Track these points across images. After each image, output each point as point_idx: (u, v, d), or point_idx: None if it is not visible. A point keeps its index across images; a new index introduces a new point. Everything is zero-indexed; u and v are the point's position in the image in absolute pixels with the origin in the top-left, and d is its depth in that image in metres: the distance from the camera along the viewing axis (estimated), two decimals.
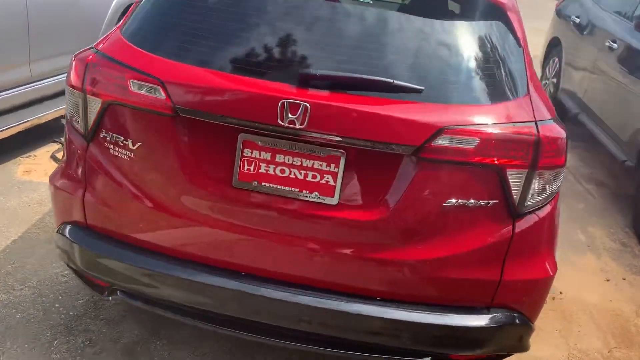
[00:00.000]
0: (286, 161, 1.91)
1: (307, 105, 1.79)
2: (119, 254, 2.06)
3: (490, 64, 1.98)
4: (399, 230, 1.91)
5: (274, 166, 1.92)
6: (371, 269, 1.94)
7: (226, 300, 1.99)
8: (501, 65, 1.98)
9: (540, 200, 1.97)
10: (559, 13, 6.72)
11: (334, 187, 1.91)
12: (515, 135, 1.86)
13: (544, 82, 6.78)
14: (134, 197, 2.02)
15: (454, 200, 1.87)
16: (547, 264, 2.08)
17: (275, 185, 1.93)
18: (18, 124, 3.98)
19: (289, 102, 1.79)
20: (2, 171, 4.00)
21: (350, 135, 1.81)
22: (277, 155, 1.91)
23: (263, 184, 1.93)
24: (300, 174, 1.91)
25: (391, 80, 1.82)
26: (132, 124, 1.97)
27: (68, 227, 2.17)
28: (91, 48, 2.10)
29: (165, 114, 1.90)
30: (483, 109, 1.88)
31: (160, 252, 2.04)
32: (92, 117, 2.02)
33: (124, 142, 1.99)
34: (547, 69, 6.72)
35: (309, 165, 1.90)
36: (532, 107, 1.94)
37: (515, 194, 1.91)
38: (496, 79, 1.96)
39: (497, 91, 1.94)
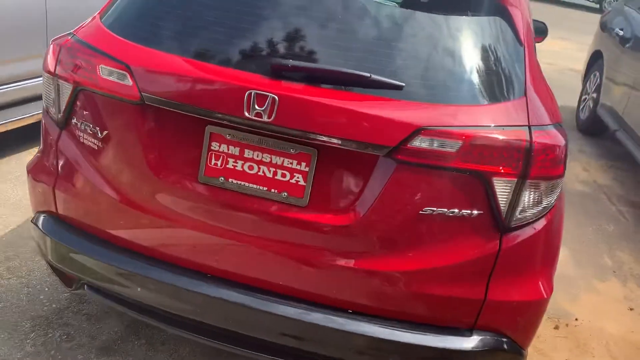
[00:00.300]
0: (255, 157, 1.79)
1: (275, 97, 1.66)
2: (84, 247, 1.98)
3: (482, 61, 1.81)
4: (372, 237, 1.76)
5: (242, 162, 1.80)
6: (341, 278, 1.79)
7: (186, 302, 1.88)
8: (494, 63, 1.81)
9: (534, 213, 1.79)
10: (602, 26, 6.40)
11: (304, 187, 1.77)
12: (503, 140, 1.69)
13: (584, 97, 6.47)
14: (101, 189, 1.94)
15: (433, 208, 1.71)
16: (540, 284, 1.88)
17: (242, 183, 1.81)
18: (34, 114, 4.00)
19: (256, 93, 1.67)
20: (14, 161, 4.03)
21: (321, 131, 1.68)
22: (246, 151, 1.79)
23: (230, 180, 1.81)
24: (270, 171, 1.79)
25: (368, 75, 1.68)
26: (101, 111, 1.90)
27: (39, 217, 2.11)
28: (69, 33, 2.04)
29: (131, 101, 1.81)
30: (469, 110, 1.72)
31: (125, 247, 1.95)
32: (63, 103, 1.96)
33: (93, 130, 1.91)
34: (587, 84, 6.40)
35: (279, 162, 1.78)
36: (528, 111, 1.76)
37: (503, 205, 1.73)
38: (487, 78, 1.79)
39: (488, 91, 1.76)
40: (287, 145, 1.75)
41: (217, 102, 1.72)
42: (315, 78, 1.71)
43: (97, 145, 1.92)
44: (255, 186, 1.80)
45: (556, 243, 1.96)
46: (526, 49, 1.91)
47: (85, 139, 1.94)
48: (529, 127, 1.73)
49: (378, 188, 1.71)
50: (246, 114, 1.68)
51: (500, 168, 1.69)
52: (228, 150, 1.80)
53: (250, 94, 1.67)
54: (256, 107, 1.67)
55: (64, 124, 1.98)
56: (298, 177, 1.77)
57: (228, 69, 1.75)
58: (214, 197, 1.82)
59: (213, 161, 1.81)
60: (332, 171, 1.77)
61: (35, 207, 2.18)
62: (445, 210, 1.71)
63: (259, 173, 1.79)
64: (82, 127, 1.93)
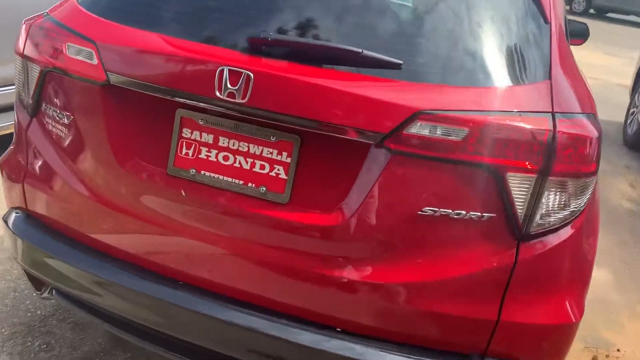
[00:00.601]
0: (230, 146, 1.56)
1: (250, 74, 1.44)
2: (48, 246, 1.78)
3: (495, 37, 1.54)
4: (362, 241, 1.49)
5: (217, 151, 1.58)
6: (326, 289, 1.53)
7: (152, 310, 1.65)
8: (511, 40, 1.54)
9: (559, 218, 1.49)
10: None
11: (285, 181, 1.53)
12: (520, 128, 1.41)
13: (632, 110, 6.04)
14: (69, 183, 1.75)
15: (434, 209, 1.44)
16: (568, 305, 1.57)
17: (216, 175, 1.58)
18: None
19: (229, 69, 1.45)
20: None
21: (303, 115, 1.44)
22: (220, 138, 1.57)
23: (202, 172, 1.59)
24: (247, 162, 1.56)
25: (360, 50, 1.43)
26: (69, 96, 1.71)
27: (9, 213, 1.94)
28: (43, 12, 1.87)
29: (98, 82, 1.62)
30: (479, 92, 1.44)
31: (92, 246, 1.75)
32: (32, 87, 1.78)
33: (60, 117, 1.73)
34: (636, 97, 5.99)
35: (257, 152, 1.54)
36: (552, 95, 1.47)
37: (520, 207, 1.44)
38: (501, 56, 1.51)
39: (502, 71, 1.49)
40: (266, 132, 1.52)
41: (186, 81, 1.51)
42: (299, 54, 1.48)
43: (65, 134, 1.73)
44: (230, 179, 1.57)
45: (588, 256, 1.65)
46: (553, 27, 1.62)
47: (54, 126, 1.76)
48: (553, 114, 1.44)
49: (369, 183, 1.46)
50: (217, 94, 1.46)
51: (516, 161, 1.41)
52: (201, 137, 1.58)
53: (223, 70, 1.45)
54: (229, 86, 1.45)
55: (33, 110, 1.81)
56: (278, 169, 1.53)
57: (200, 44, 1.54)
58: (181, 191, 1.60)
59: (184, 150, 1.59)
60: (317, 163, 1.52)
61: (7, 203, 2.01)
62: (450, 211, 1.44)
63: (235, 164, 1.56)
64: (51, 113, 1.75)
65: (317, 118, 1.43)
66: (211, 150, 1.57)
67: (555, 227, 1.50)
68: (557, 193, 1.47)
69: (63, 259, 1.72)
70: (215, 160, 1.57)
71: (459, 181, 1.43)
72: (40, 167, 1.82)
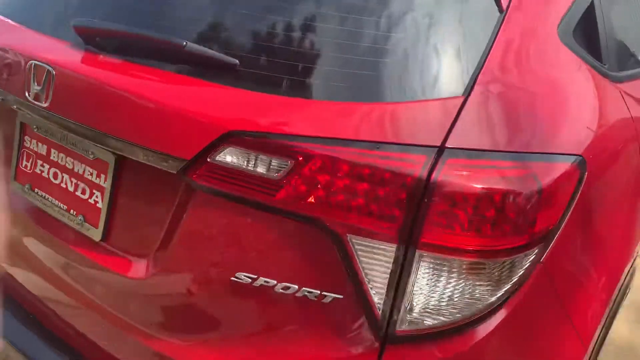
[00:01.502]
0: (59, 161, 1.26)
1: (52, 70, 1.13)
2: None
3: (375, 26, 1.00)
4: (167, 307, 1.09)
5: (49, 166, 1.29)
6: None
7: None
8: (404, 32, 0.99)
9: (462, 312, 0.93)
10: None
11: (101, 211, 1.18)
12: (373, 169, 0.89)
13: None
14: None
15: (250, 276, 0.98)
16: None
17: (45, 196, 1.29)
18: None
19: (35, 64, 1.16)
20: None
21: (99, 128, 1.09)
22: (52, 151, 1.28)
23: (35, 190, 1.31)
24: (71, 183, 1.24)
25: (183, 43, 1.03)
26: None
27: None
28: None
29: None
30: (326, 110, 0.94)
31: None
32: None
33: None
34: None
35: (80, 171, 1.22)
36: (456, 120, 0.92)
37: (376, 291, 0.92)
38: (383, 56, 0.96)
39: (375, 81, 0.95)
40: (86, 147, 1.19)
41: (7, 78, 1.25)
42: (113, 44, 1.12)
43: None
44: (56, 202, 1.27)
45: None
46: (510, 17, 1.04)
47: None
48: (440, 149, 0.89)
49: (175, 229, 1.05)
50: (27, 95, 1.18)
51: (363, 219, 0.89)
52: (37, 148, 1.31)
53: (31, 65, 1.16)
54: (35, 85, 1.15)
55: None
56: (97, 196, 1.19)
57: (34, 33, 1.26)
58: (20, 212, 1.34)
59: (24, 162, 1.33)
60: (133, 193, 1.15)
61: None
62: (273, 282, 0.97)
63: (62, 184, 1.26)
64: None
65: (114, 133, 1.07)
66: (44, 164, 1.29)
67: (453, 325, 0.94)
68: (446, 275, 0.91)
69: None
70: (47, 176, 1.28)
71: (284, 240, 0.96)
72: None
